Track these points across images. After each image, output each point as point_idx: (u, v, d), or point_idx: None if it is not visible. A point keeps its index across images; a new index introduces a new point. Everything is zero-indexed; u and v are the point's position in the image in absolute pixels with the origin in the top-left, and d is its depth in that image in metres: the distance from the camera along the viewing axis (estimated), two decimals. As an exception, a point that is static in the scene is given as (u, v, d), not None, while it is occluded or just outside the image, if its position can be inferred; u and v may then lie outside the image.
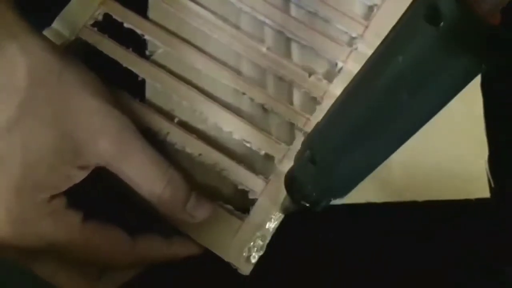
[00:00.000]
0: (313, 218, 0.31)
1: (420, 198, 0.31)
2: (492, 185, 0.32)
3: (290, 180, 0.25)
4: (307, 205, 0.24)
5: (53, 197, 0.24)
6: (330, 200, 0.24)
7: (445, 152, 0.32)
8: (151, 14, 0.33)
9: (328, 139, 0.22)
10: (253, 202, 0.30)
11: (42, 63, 0.25)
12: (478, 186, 0.32)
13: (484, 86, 0.33)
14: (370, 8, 0.33)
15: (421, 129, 0.31)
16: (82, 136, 0.25)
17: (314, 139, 0.23)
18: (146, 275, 0.28)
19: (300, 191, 0.24)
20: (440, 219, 0.31)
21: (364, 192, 0.31)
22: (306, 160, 0.23)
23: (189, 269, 0.29)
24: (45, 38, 0.27)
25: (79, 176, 0.25)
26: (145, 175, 0.26)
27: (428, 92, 0.17)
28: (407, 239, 0.31)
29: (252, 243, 0.28)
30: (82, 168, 0.25)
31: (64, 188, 0.25)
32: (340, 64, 0.32)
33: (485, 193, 0.31)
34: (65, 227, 0.25)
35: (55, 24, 0.32)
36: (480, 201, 0.31)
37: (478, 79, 0.33)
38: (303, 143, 0.24)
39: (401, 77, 0.17)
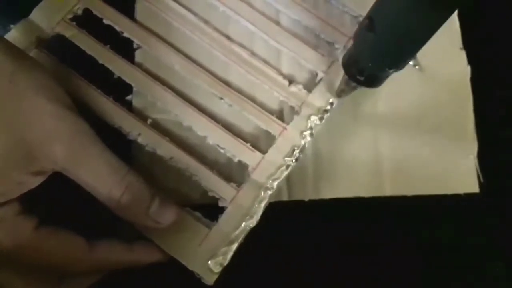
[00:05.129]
0: (289, 218, 0.30)
1: (409, 192, 0.31)
2: (481, 181, 0.32)
3: (348, 56, 0.26)
4: (362, 79, 0.26)
5: (1, 204, 0.23)
6: (386, 74, 0.25)
7: (435, 147, 0.32)
8: (137, 14, 0.32)
9: (387, 3, 0.23)
10: (222, 210, 0.29)
11: None
12: (467, 181, 0.32)
13: (474, 82, 0.33)
14: (355, 19, 0.33)
15: (411, 125, 0.31)
16: (35, 141, 0.24)
17: (374, 7, 0.24)
18: (110, 280, 0.28)
19: (357, 64, 0.25)
20: (429, 213, 0.31)
21: (353, 186, 0.31)
22: (364, 29, 0.24)
23: (155, 276, 0.28)
24: None
25: (34, 182, 0.24)
26: (101, 181, 0.25)
27: None
28: (395, 233, 0.31)
29: (218, 252, 0.28)
30: (36, 174, 0.24)
31: (15, 195, 0.24)
32: (320, 74, 0.31)
33: (474, 188, 0.32)
34: (15, 234, 0.24)
35: (32, 15, 0.31)
36: (469, 196, 0.31)
37: (467, 75, 0.33)
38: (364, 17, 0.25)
39: None
